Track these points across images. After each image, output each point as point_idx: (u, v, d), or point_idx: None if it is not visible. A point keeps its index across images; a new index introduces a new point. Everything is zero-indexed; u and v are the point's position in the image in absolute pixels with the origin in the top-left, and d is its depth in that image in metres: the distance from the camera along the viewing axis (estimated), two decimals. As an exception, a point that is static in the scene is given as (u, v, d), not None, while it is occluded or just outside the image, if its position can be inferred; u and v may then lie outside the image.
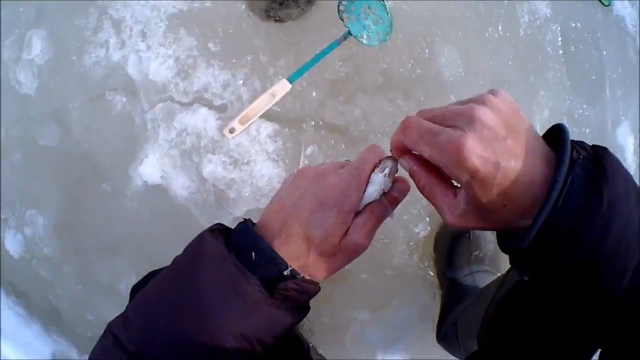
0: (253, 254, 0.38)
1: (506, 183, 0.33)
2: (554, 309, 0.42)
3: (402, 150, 0.40)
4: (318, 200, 0.40)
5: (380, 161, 0.42)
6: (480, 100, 0.35)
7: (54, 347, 1.04)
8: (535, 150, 0.34)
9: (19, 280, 1.04)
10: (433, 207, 0.40)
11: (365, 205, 0.41)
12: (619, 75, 1.04)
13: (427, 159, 0.37)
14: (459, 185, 0.38)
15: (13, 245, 1.03)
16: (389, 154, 0.42)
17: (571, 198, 0.32)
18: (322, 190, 0.40)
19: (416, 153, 0.39)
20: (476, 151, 0.33)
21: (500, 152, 0.33)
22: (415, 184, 0.41)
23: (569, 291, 0.37)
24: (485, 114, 0.34)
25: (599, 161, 0.34)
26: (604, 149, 0.35)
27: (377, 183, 0.41)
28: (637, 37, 1.06)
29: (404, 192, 0.43)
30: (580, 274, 0.34)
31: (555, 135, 0.36)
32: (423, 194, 0.40)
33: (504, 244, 0.39)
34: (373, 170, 0.41)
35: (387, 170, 0.41)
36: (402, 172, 0.42)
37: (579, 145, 0.35)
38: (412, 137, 0.38)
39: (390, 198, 0.42)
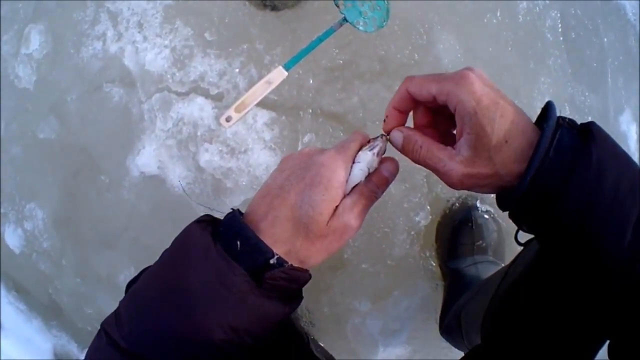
0: (238, 242, 0.37)
1: (506, 118, 0.36)
2: (558, 300, 0.41)
3: (402, 106, 0.42)
4: (305, 180, 0.38)
5: (369, 140, 0.41)
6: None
7: (55, 341, 1.04)
8: (521, 109, 0.38)
9: (20, 275, 1.04)
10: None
11: (353, 188, 0.40)
12: (620, 62, 1.03)
13: (435, 95, 0.38)
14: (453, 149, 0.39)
15: (13, 239, 1.04)
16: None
17: (560, 152, 0.35)
18: (308, 170, 0.39)
19: (407, 128, 0.42)
20: (480, 81, 0.37)
21: (498, 94, 0.37)
22: (411, 148, 0.41)
23: (568, 255, 0.36)
24: (479, 71, 0.38)
25: (586, 127, 0.37)
26: (591, 121, 0.37)
27: (364, 161, 0.40)
28: (637, 24, 1.05)
29: (393, 171, 0.42)
30: (577, 234, 0.35)
31: (544, 115, 0.39)
32: (419, 158, 0.40)
33: (502, 200, 0.40)
34: (360, 149, 0.41)
35: (376, 149, 0.40)
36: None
37: (567, 118, 0.38)
38: (418, 81, 0.39)
39: (380, 178, 0.41)
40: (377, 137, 0.42)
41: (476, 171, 0.37)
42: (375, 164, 0.41)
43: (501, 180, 0.38)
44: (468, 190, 0.40)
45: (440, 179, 0.40)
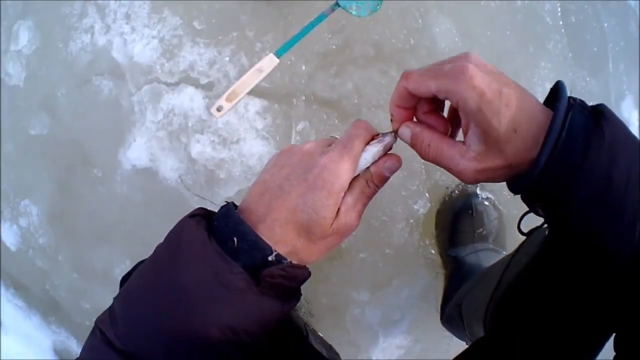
0: (235, 239, 0.35)
1: (512, 106, 0.35)
2: (564, 291, 0.40)
3: (403, 103, 0.40)
4: (307, 183, 0.37)
5: (378, 134, 0.41)
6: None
7: (54, 338, 1.04)
8: (526, 91, 0.36)
9: (17, 272, 1.04)
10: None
11: (354, 181, 0.39)
12: (621, 48, 1.00)
13: (434, 93, 0.37)
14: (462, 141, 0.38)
15: (9, 237, 1.03)
16: (377, 127, 0.41)
17: (573, 132, 0.34)
18: (310, 172, 0.37)
19: (417, 120, 0.41)
20: (480, 73, 0.35)
21: (499, 82, 0.35)
22: (419, 147, 0.40)
23: (575, 245, 0.36)
24: (477, 57, 0.37)
25: (596, 109, 0.35)
26: (601, 103, 0.36)
27: (370, 153, 0.39)
28: (638, 10, 1.02)
29: (395, 170, 0.41)
30: (587, 223, 0.34)
31: (553, 95, 0.38)
32: (429, 157, 0.39)
33: (514, 184, 0.39)
34: (365, 145, 0.40)
35: (384, 143, 0.40)
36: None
37: (577, 98, 0.36)
38: (416, 79, 0.38)
39: (381, 177, 0.40)
40: (387, 132, 0.41)
41: (489, 165, 0.36)
42: (379, 155, 0.40)
43: (515, 169, 0.37)
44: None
45: (453, 175, 0.39)
